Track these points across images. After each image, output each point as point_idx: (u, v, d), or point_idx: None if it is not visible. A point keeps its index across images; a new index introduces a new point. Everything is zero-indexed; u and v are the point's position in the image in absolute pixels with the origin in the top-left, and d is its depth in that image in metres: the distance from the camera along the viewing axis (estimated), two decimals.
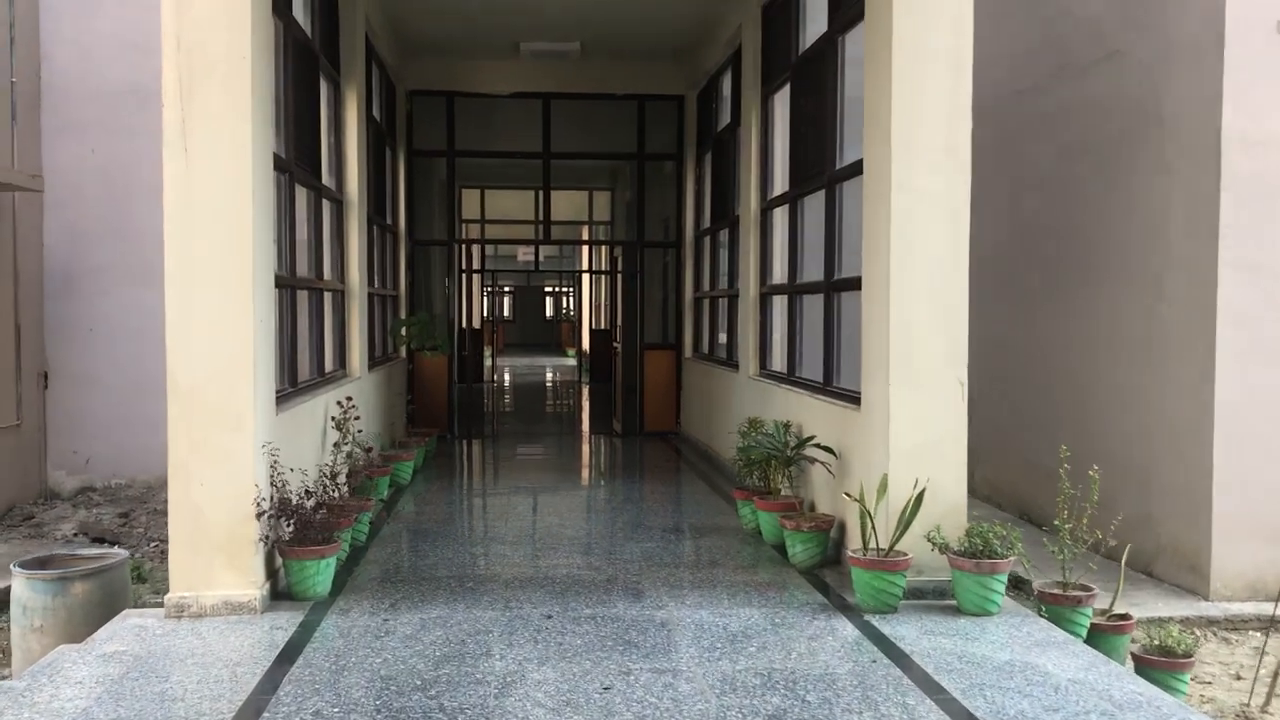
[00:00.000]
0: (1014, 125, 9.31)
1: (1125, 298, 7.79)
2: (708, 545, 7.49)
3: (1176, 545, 7.21)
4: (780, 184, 9.45)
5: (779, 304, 9.51)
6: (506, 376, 26.71)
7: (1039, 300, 8.89)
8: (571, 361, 31.29)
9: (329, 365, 8.98)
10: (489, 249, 33.76)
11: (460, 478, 10.49)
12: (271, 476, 6.07)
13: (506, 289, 42.87)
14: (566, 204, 22.87)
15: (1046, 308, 8.77)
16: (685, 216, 13.52)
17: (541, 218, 14.05)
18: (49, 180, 10.90)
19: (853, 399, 6.90)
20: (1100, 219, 8.09)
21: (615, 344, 14.37)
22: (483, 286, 26.68)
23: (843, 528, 6.89)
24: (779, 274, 9.51)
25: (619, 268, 15.04)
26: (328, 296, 8.96)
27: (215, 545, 5.86)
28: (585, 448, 13.38)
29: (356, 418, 7.91)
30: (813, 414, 7.62)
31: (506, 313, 43.40)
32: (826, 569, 6.80)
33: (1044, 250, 8.84)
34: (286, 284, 7.26)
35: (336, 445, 7.64)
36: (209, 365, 5.81)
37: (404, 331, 11.69)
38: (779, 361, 9.43)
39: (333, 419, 7.77)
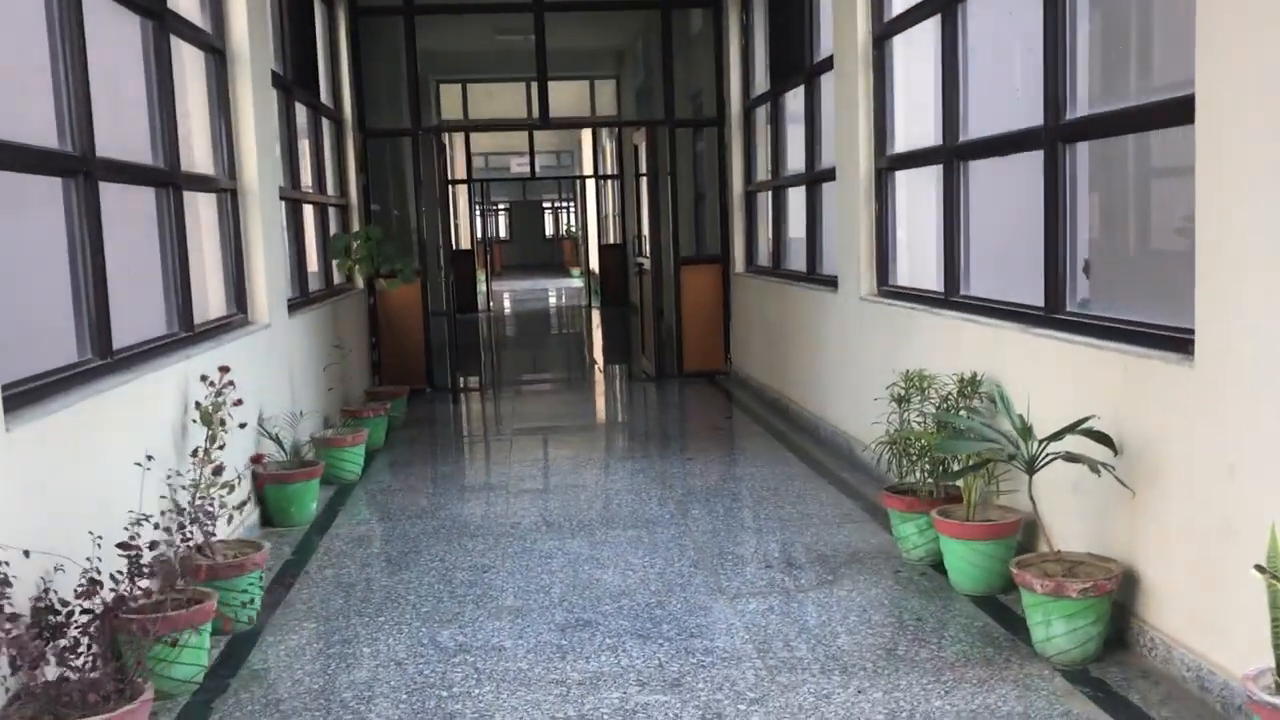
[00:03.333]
0: None
1: None
2: (856, 603, 4.25)
3: None
4: None
5: (913, 181, 6.18)
6: (506, 302, 23.40)
7: None
8: (578, 283, 27.92)
9: (211, 310, 5.70)
10: (479, 161, 30.24)
11: (434, 463, 7.22)
12: None
13: (501, 206, 39.27)
14: (565, 98, 19.32)
15: None
16: (728, 84, 10.06)
17: (538, 111, 10.56)
18: None
19: (1153, 339, 3.60)
20: None
21: (640, 260, 11.03)
22: (472, 201, 23.21)
23: (1135, 584, 3.65)
24: (910, 135, 6.15)
25: (639, 168, 11.62)
26: (201, 200, 5.64)
27: None
28: (611, 400, 10.13)
29: (237, 402, 4.61)
30: (1032, 363, 4.33)
31: (502, 232, 39.85)
32: (1108, 663, 3.59)
33: None
34: (69, 167, 3.93)
35: (201, 454, 4.37)
36: None
37: (347, 252, 8.27)
38: (918, 272, 6.13)
39: (197, 406, 4.51)
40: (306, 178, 8.32)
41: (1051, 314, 4.34)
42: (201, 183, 5.63)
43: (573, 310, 21.12)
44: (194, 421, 4.50)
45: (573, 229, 35.72)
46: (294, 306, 7.05)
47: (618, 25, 14.85)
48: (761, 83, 9.54)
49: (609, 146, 22.52)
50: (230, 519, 4.42)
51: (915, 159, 6.00)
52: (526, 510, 5.81)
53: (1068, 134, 4.27)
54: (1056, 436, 3.66)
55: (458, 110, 18.85)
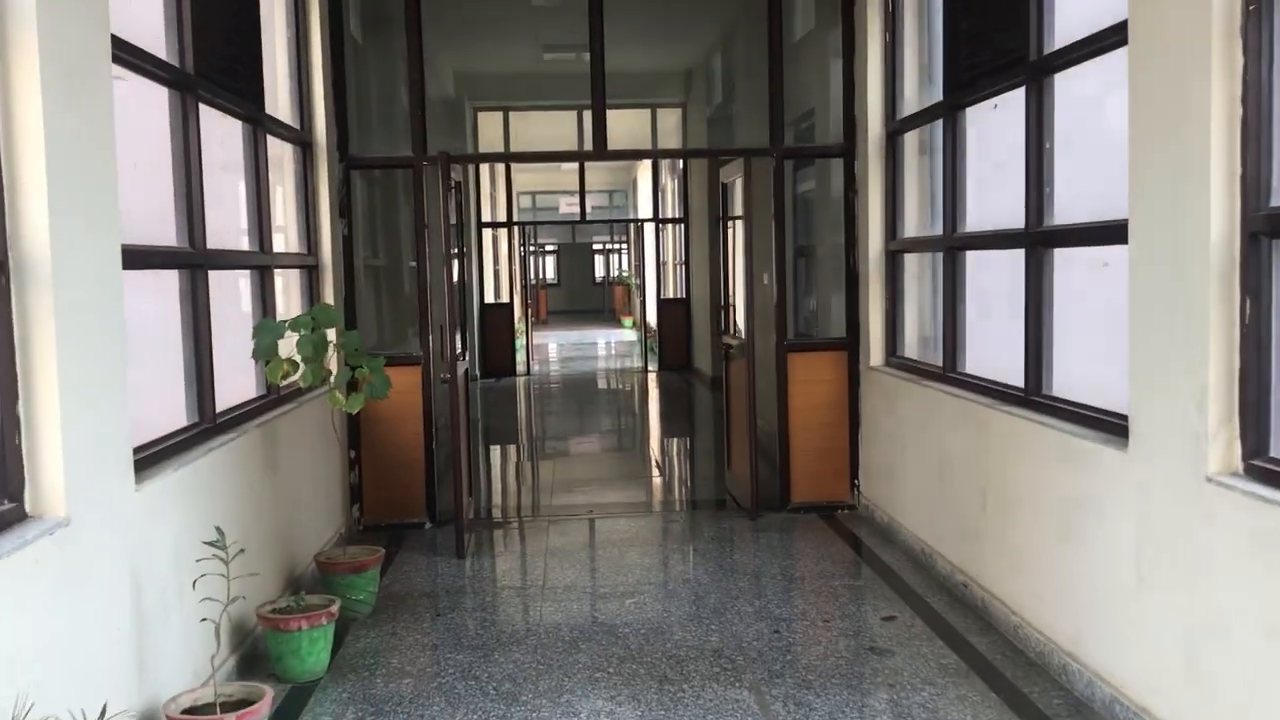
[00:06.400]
0: None
1: None
2: None
3: None
4: None
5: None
6: (551, 356, 20.50)
7: None
8: (630, 335, 24.99)
9: None
10: (525, 201, 27.49)
11: None
12: None
13: (549, 248, 36.56)
14: (620, 128, 16.41)
15: None
16: (864, 98, 7.04)
17: (591, 141, 7.57)
18: None
19: None
20: None
21: (729, 341, 7.98)
22: (512, 245, 20.36)
23: None
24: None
25: (722, 211, 8.60)
26: None
27: None
28: (695, 562, 6.93)
29: None
30: None
31: (549, 274, 37.08)
32: None
33: None
34: None
35: None
36: None
37: (279, 350, 5.12)
38: None
39: None
40: (237, 226, 5.44)
41: None
42: None
43: (626, 376, 18.10)
44: None
45: (625, 273, 32.91)
46: (183, 448, 4.13)
47: (688, 39, 12.00)
48: (912, 99, 6.58)
49: (670, 185, 19.59)
50: None
51: None
52: None
53: None
54: None
55: (498, 142, 16.01)
